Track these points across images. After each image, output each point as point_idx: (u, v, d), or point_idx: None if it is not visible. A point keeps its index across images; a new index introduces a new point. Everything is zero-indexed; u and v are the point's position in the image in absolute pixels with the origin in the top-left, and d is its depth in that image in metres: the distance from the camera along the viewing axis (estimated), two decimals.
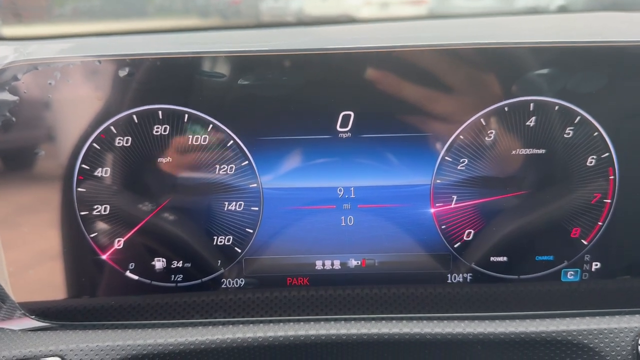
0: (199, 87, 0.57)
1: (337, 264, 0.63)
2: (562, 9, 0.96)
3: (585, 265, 0.63)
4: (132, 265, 0.62)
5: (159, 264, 0.62)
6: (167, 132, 0.58)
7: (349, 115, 0.59)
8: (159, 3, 0.95)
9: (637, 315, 0.62)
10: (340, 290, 0.64)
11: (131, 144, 0.59)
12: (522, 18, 0.90)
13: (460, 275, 0.63)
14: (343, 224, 0.62)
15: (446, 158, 0.60)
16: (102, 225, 0.61)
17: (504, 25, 0.82)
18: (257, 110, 0.58)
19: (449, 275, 0.63)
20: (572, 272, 0.63)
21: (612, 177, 0.61)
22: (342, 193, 0.61)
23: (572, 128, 0.59)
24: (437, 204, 0.61)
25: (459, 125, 0.59)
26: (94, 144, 0.59)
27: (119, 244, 0.61)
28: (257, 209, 0.61)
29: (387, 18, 0.96)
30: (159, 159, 0.59)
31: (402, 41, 0.58)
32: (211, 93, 0.58)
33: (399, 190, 0.61)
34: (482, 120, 0.59)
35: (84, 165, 0.59)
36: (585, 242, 0.62)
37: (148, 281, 0.62)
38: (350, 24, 0.90)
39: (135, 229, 0.60)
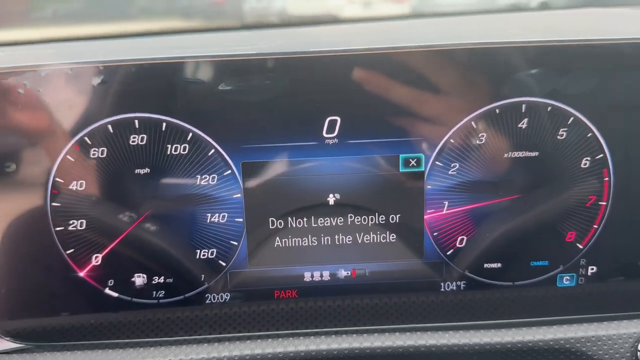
0: (177, 94, 0.55)
1: (326, 275, 0.61)
2: (544, 6, 0.96)
3: (581, 269, 0.61)
4: (111, 282, 0.59)
5: (139, 280, 0.59)
6: (144, 142, 0.55)
7: (336, 120, 0.56)
8: (142, 5, 0.92)
9: (635, 320, 0.61)
10: (330, 302, 0.61)
11: (107, 155, 0.56)
12: (508, 17, 0.89)
13: (454, 283, 0.61)
14: (332, 232, 0.59)
15: (437, 163, 0.58)
16: (78, 241, 0.58)
17: (490, 24, 0.81)
18: (239, 117, 0.56)
19: (442, 284, 0.61)
20: (567, 277, 0.62)
21: (606, 178, 0.59)
22: (330, 201, 0.58)
23: (565, 129, 0.58)
24: (428, 211, 0.59)
25: (449, 128, 0.57)
26: (68, 156, 0.56)
27: (96, 260, 0.58)
28: (241, 220, 0.58)
29: (371, 17, 0.94)
30: (137, 170, 0.56)
31: (389, 42, 0.56)
32: (190, 100, 0.55)
33: (389, 197, 0.59)
34: (472, 123, 0.57)
35: (57, 179, 0.56)
36: (580, 246, 0.61)
37: (128, 298, 0.59)
38: (334, 24, 0.88)
39: (114, 244, 0.58)
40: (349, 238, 0.60)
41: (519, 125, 0.57)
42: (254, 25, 0.90)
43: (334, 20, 0.93)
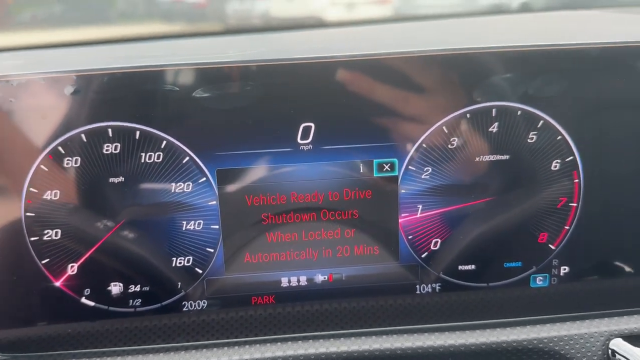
0: (150, 102, 0.55)
1: (303, 280, 0.61)
2: (524, 7, 0.97)
3: (553, 270, 0.62)
4: (87, 291, 0.59)
5: (115, 288, 0.59)
6: (118, 151, 0.55)
7: (310, 126, 0.57)
8: (122, 9, 0.92)
9: (606, 319, 0.62)
10: (307, 306, 0.62)
11: (81, 164, 0.56)
12: (486, 20, 0.90)
13: (429, 285, 0.62)
14: (309, 238, 0.60)
15: (410, 167, 0.59)
16: (53, 251, 0.57)
17: (465, 28, 0.82)
18: (213, 124, 0.56)
19: (417, 286, 0.62)
20: (541, 278, 0.63)
21: (577, 180, 0.60)
22: (305, 206, 0.59)
23: (535, 133, 0.59)
24: (402, 214, 0.60)
25: (421, 133, 0.58)
26: (42, 166, 0.55)
27: (72, 269, 0.58)
28: (217, 227, 0.58)
29: (353, 21, 0.94)
30: (111, 179, 0.56)
31: (362, 50, 0.56)
32: (164, 108, 0.55)
33: (364, 202, 0.59)
34: (444, 127, 0.58)
35: (32, 189, 0.56)
36: (552, 247, 0.62)
37: (105, 307, 0.59)
38: (317, 27, 0.88)
39: (89, 253, 0.57)
40: (325, 243, 0.60)
41: (490, 130, 0.58)
42: (235, 29, 0.90)
43: (317, 23, 0.93)
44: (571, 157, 0.60)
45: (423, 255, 0.61)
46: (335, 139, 0.57)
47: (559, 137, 0.59)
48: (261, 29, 0.88)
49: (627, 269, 0.64)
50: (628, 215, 0.62)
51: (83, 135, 0.55)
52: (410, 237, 0.61)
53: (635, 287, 0.63)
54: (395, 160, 0.59)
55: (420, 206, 0.60)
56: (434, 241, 0.61)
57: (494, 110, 0.58)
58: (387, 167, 0.59)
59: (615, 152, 0.61)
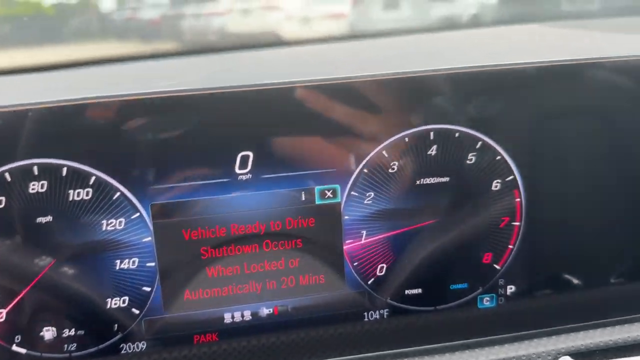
0: (77, 136, 0.53)
1: (247, 315, 0.59)
2: (474, 22, 0.98)
3: (500, 289, 0.62)
4: (18, 338, 0.55)
5: (48, 334, 0.55)
6: (44, 189, 0.53)
7: (248, 155, 0.55)
8: (75, 27, 0.89)
9: (554, 337, 0.62)
10: (254, 341, 0.60)
11: (5, 205, 0.53)
12: (433, 37, 0.91)
13: (377, 311, 0.61)
14: (252, 270, 0.58)
15: (352, 193, 0.58)
16: None
17: (414, 47, 0.82)
18: (144, 157, 0.54)
19: (365, 313, 0.61)
20: (487, 298, 0.62)
21: (518, 199, 0.61)
22: (246, 238, 0.57)
23: (474, 154, 0.59)
24: (347, 241, 0.59)
25: (362, 158, 0.57)
26: None
27: (0, 316, 0.55)
28: (153, 264, 0.56)
29: (307, 39, 0.94)
30: (39, 219, 0.53)
31: (298, 76, 0.55)
32: (91, 142, 0.53)
33: (307, 230, 0.58)
34: (384, 152, 0.57)
35: None
36: (498, 267, 0.62)
37: (38, 354, 0.56)
38: (271, 46, 0.87)
39: (17, 298, 0.54)
40: (269, 274, 0.58)
41: (429, 153, 0.58)
42: (190, 48, 0.88)
43: (273, 38, 0.92)
44: (511, 177, 0.60)
45: (370, 282, 0.60)
46: (275, 167, 0.56)
47: (498, 157, 0.59)
48: (217, 47, 0.87)
49: (573, 283, 0.64)
50: (571, 231, 0.63)
51: (7, 174, 0.52)
52: (355, 263, 0.59)
53: (581, 302, 0.64)
54: (338, 187, 0.58)
55: (365, 231, 0.59)
56: (379, 266, 0.60)
57: (431, 134, 0.57)
58: (329, 193, 0.58)
59: (555, 169, 0.61)
